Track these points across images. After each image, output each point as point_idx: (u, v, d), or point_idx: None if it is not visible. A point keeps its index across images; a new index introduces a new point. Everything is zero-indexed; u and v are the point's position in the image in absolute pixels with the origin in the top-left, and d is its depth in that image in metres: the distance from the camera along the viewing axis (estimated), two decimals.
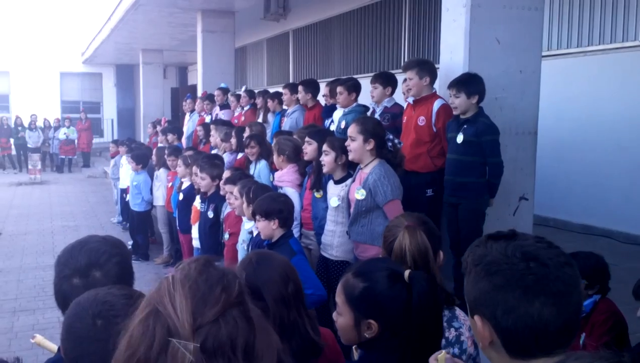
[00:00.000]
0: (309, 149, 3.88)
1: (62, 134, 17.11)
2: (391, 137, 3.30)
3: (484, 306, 1.01)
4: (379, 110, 4.47)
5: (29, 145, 16.95)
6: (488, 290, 1.00)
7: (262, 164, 4.86)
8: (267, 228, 3.01)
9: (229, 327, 0.79)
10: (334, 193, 3.46)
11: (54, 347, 1.61)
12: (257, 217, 3.05)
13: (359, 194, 3.14)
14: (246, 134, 5.37)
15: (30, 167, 15.02)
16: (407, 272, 1.45)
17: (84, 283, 1.43)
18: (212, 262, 0.89)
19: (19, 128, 17.20)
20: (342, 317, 1.47)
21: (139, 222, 7.43)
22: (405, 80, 4.09)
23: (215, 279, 0.83)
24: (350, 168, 3.45)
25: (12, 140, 17.06)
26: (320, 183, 3.74)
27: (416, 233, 1.80)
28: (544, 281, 0.97)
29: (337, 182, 3.48)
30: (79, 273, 1.44)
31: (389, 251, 1.87)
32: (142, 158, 7.48)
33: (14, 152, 17.14)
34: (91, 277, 1.44)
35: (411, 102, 4.10)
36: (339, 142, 3.42)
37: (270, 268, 1.78)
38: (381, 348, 1.42)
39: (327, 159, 3.42)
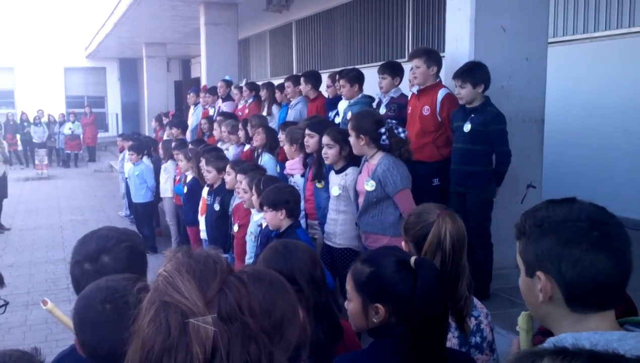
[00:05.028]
0: (310, 141, 3.89)
1: (67, 129, 17.18)
2: (394, 122, 3.26)
3: (548, 261, 1.07)
4: (385, 101, 4.46)
5: (34, 141, 17.04)
6: (554, 246, 1.07)
7: (267, 156, 4.88)
8: (274, 218, 3.06)
9: (233, 292, 0.86)
10: (335, 183, 3.50)
11: (66, 318, 1.56)
12: (265, 208, 3.10)
13: (369, 186, 3.15)
14: (248, 127, 5.42)
15: (37, 162, 15.12)
16: (413, 259, 1.48)
17: (94, 268, 1.49)
18: (190, 247, 0.94)
19: (25, 124, 17.29)
20: (351, 302, 1.53)
21: (143, 214, 7.46)
22: (412, 68, 4.07)
23: (203, 257, 0.89)
24: (350, 157, 3.47)
25: (18, 136, 17.15)
26: (321, 174, 3.77)
27: (456, 218, 1.78)
28: (607, 237, 1.07)
29: (337, 172, 3.53)
30: (89, 259, 1.51)
31: (419, 238, 1.77)
32: (140, 148, 7.50)
33: (20, 147, 17.24)
34: (100, 261, 1.50)
35: (415, 92, 4.09)
36: (341, 134, 3.44)
37: (300, 252, 1.83)
38: (389, 335, 1.45)
39: (332, 152, 3.44)
